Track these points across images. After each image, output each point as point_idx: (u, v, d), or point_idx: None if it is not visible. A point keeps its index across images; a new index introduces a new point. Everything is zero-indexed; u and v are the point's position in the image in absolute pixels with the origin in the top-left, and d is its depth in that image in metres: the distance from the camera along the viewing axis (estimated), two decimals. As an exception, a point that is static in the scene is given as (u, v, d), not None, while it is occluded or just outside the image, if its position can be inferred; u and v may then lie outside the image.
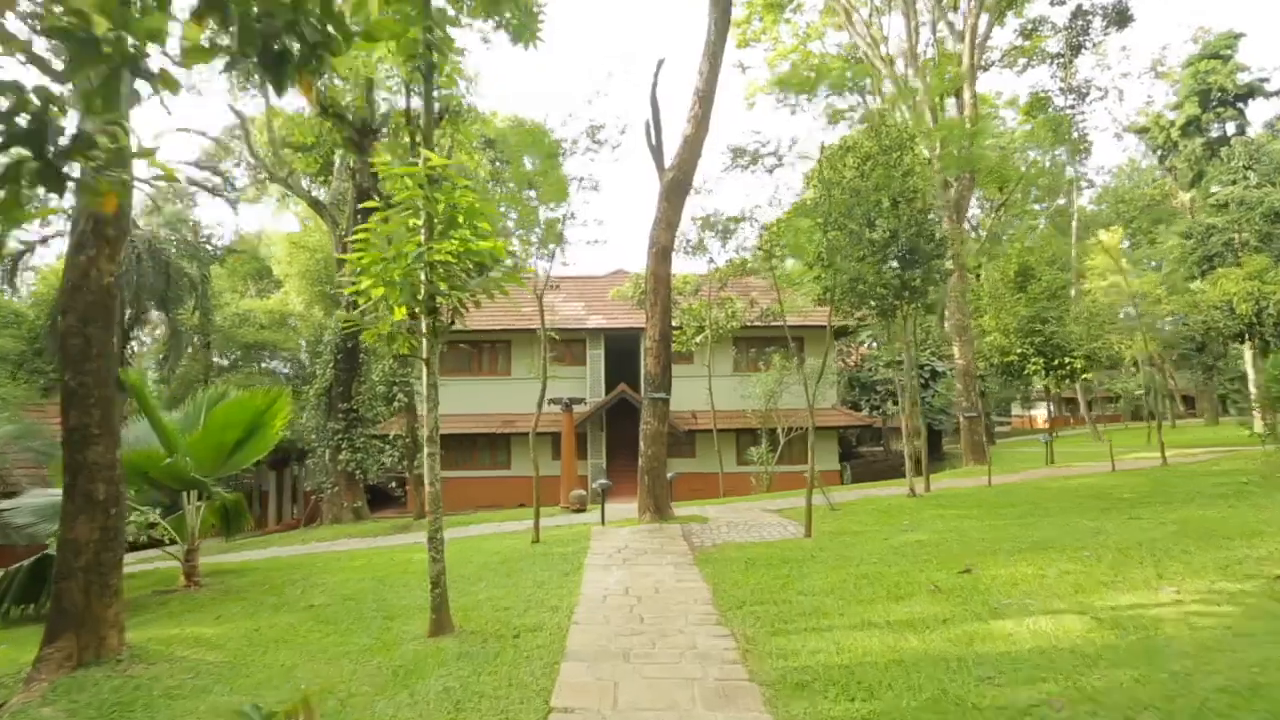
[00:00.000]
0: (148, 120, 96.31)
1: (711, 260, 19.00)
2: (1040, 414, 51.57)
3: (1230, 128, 27.21)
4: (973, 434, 17.53)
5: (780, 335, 24.14)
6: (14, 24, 2.12)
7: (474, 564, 9.10)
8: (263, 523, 22.79)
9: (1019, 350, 18.43)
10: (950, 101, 21.73)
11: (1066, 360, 17.90)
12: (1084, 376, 19.51)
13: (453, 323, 7.24)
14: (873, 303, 12.15)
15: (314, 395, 18.07)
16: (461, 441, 23.89)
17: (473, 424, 23.40)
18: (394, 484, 20.19)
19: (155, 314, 22.47)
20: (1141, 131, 27.26)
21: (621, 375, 24.02)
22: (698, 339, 20.66)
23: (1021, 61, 24.06)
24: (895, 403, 27.20)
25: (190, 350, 23.28)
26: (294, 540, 16.37)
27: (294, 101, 20.66)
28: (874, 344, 29.32)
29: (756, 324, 23.06)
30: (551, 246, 12.38)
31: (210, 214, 80.00)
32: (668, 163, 11.83)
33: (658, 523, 11.05)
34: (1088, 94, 22.10)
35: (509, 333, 24.24)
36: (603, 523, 11.19)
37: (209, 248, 24.61)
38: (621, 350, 25.23)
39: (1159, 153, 26.55)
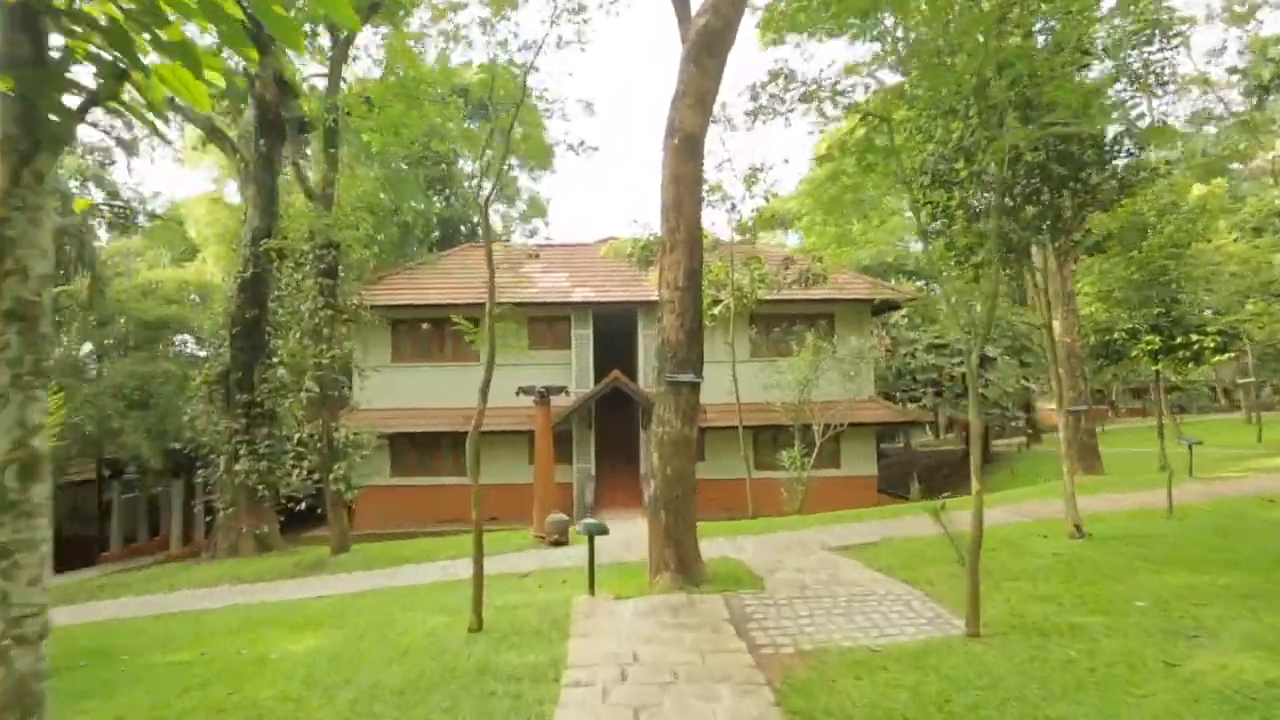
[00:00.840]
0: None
1: (734, 208, 14.57)
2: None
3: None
4: (1080, 434, 13.24)
5: (805, 312, 19.89)
6: None
7: (340, 702, 4.65)
8: (164, 545, 18.08)
9: (1128, 325, 14.13)
10: None
11: (1194, 339, 13.63)
12: (1216, 360, 15.29)
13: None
14: (1012, 235, 7.80)
15: (204, 383, 13.46)
16: (419, 442, 19.37)
17: (432, 420, 18.87)
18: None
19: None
20: (1232, 74, 23.32)
21: (614, 360, 19.58)
22: (714, 310, 16.26)
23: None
24: (939, 394, 22.98)
25: (73, 328, 18.57)
26: (164, 582, 11.82)
27: None
28: (911, 322, 25.04)
29: (779, 297, 18.74)
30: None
31: (152, 181, 74.19)
32: (696, 4, 7.38)
33: (683, 591, 6.65)
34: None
35: (475, 308, 19.67)
36: (591, 591, 6.74)
37: (105, 209, 19.82)
38: (614, 330, 20.78)
39: (1252, 98, 22.68)
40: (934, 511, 7.06)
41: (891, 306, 21.90)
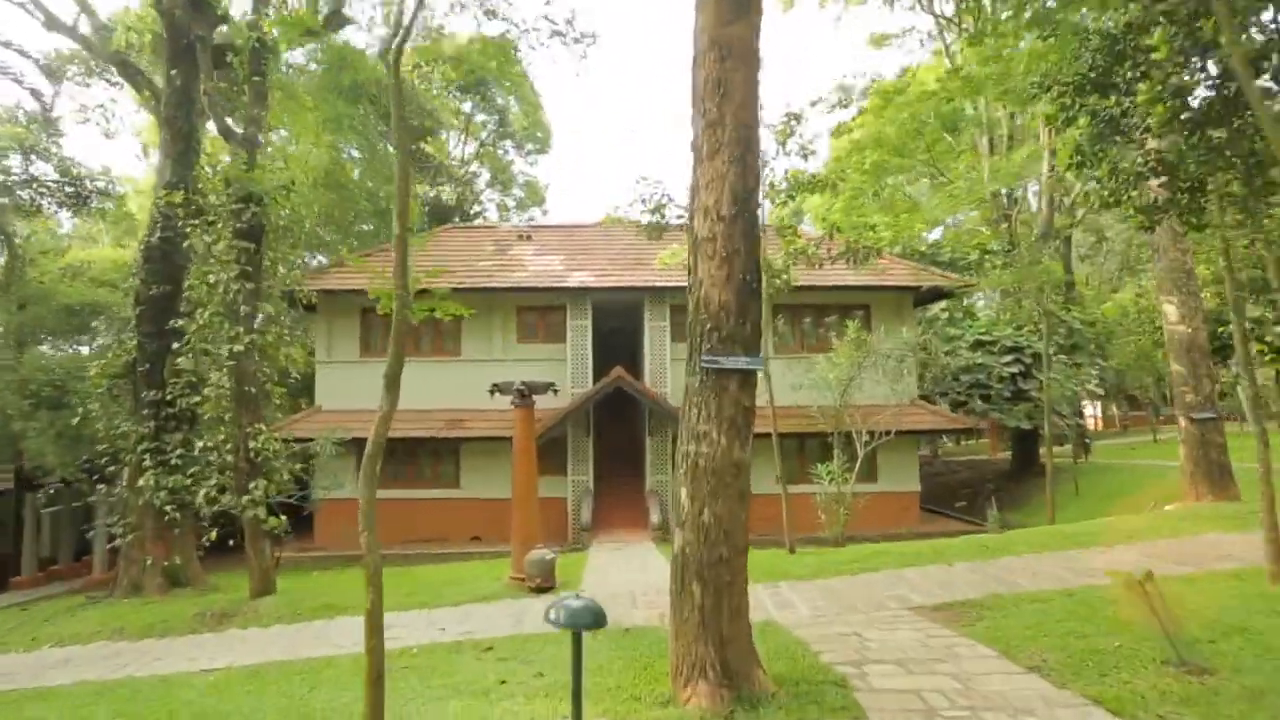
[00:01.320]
0: None
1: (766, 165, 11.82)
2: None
3: None
4: (1207, 448, 10.47)
5: (838, 302, 17.16)
6: None
7: None
8: (89, 569, 15.41)
9: (1255, 313, 11.37)
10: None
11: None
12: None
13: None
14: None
15: (103, 377, 10.78)
16: (392, 449, 16.60)
17: (408, 424, 16.12)
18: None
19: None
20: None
21: (616, 356, 16.88)
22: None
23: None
24: (985, 398, 20.20)
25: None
26: (28, 632, 9.11)
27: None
28: (952, 316, 22.31)
29: (809, 283, 16.07)
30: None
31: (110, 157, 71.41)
32: None
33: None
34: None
35: (459, 295, 16.99)
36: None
37: (54, 185, 17.22)
38: (617, 323, 18.11)
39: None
40: (1139, 583, 4.33)
41: (937, 296, 19.16)
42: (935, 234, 29.06)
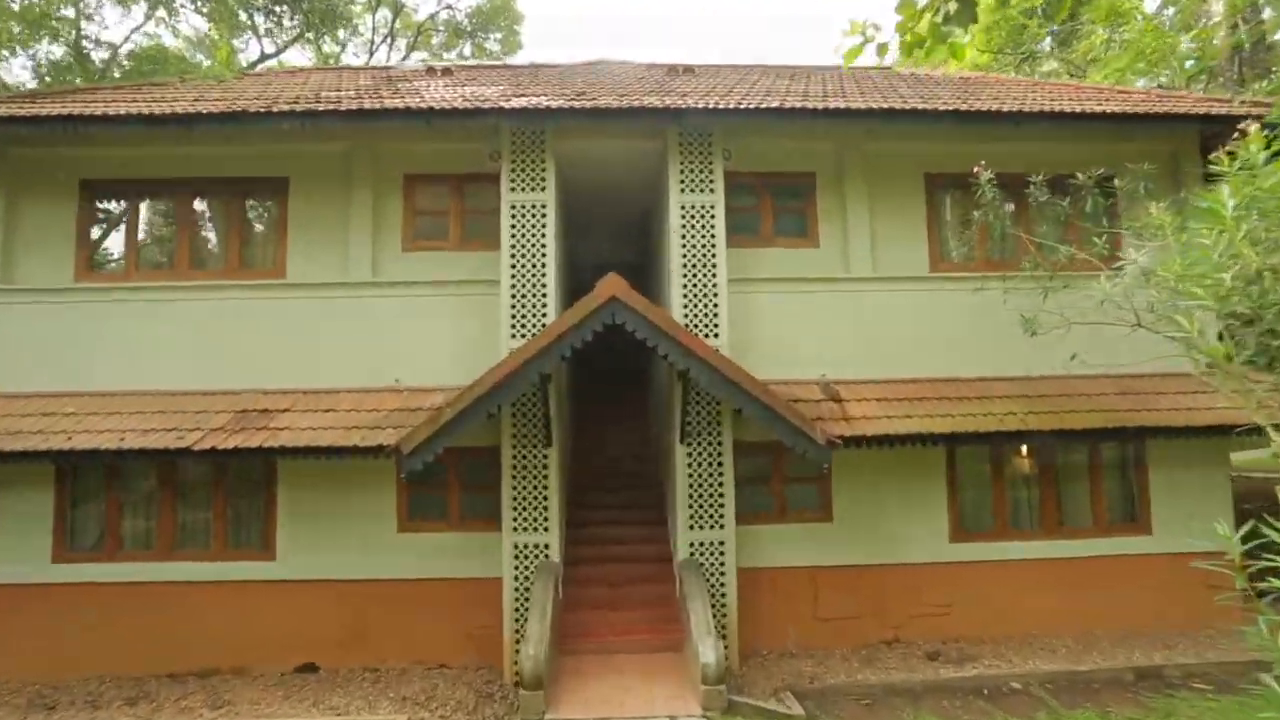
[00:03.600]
0: None
1: None
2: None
3: None
4: None
5: (1051, 157, 8.30)
6: None
7: None
8: None
9: None
10: None
11: None
12: None
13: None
14: None
15: None
16: (129, 477, 7.92)
17: (165, 419, 7.32)
18: None
19: None
20: None
21: (604, 263, 8.11)
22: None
23: None
24: None
25: None
26: None
27: None
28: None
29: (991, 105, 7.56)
30: None
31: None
32: None
33: None
34: None
35: (276, 156, 8.13)
36: None
37: None
38: (609, 213, 9.55)
39: None
40: None
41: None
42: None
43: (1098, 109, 7.76)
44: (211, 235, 8.35)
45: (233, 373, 7.66)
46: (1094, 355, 6.71)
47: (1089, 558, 7.61)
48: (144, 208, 8.22)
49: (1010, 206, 8.10)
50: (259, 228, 8.38)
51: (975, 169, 7.01)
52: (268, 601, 7.45)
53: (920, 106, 7.73)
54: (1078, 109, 7.73)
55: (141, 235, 8.29)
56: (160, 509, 7.63)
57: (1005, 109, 7.66)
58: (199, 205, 8.22)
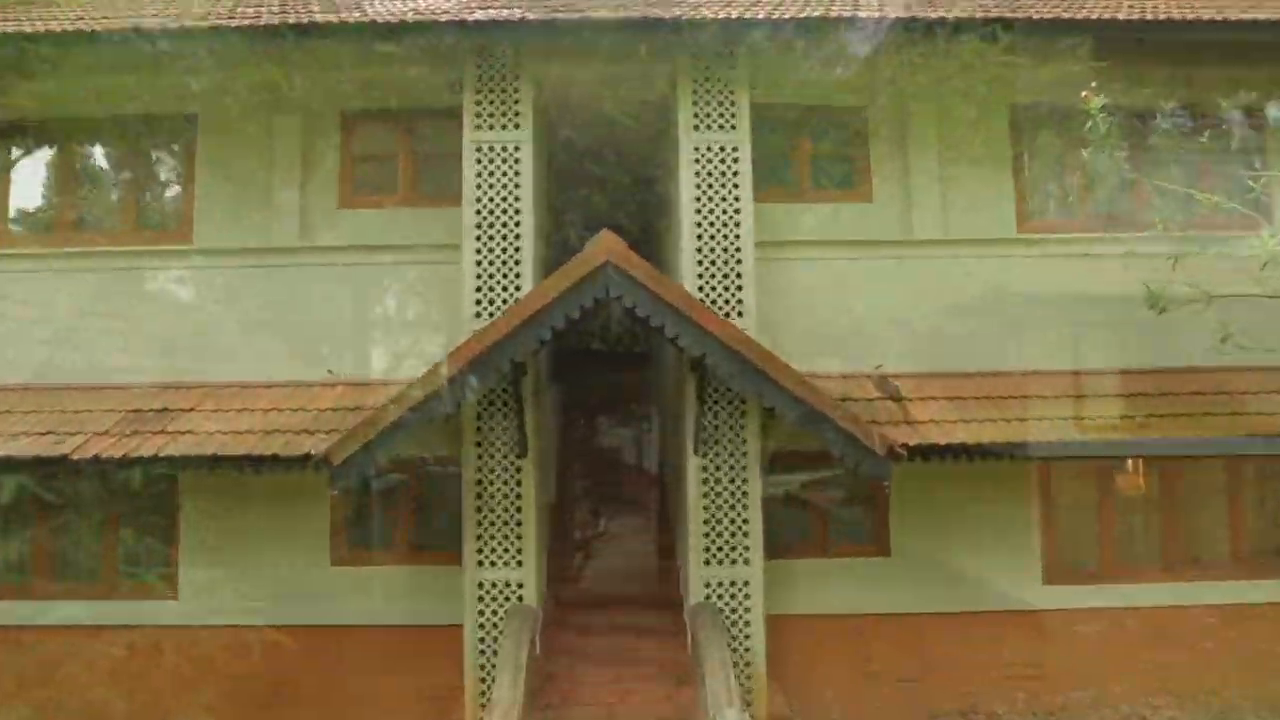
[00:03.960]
0: None
1: None
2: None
3: None
4: None
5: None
6: None
7: None
8: None
9: None
10: None
11: None
12: None
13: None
14: None
15: None
16: (31, 498, 6.23)
17: (15, 413, 5.71)
18: None
19: None
20: None
21: (598, 219, 6.36)
22: None
23: None
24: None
25: None
26: None
27: None
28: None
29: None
30: None
31: None
32: None
33: None
34: None
35: (180, 90, 6.31)
36: None
37: None
38: (602, 142, 7.80)
39: None
40: None
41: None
42: None
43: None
44: (97, 190, 6.66)
45: (124, 363, 6.03)
46: (1243, 339, 5.03)
47: (1227, 605, 5.90)
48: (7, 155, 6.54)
49: (1123, 150, 6.26)
50: (159, 180, 6.70)
51: (1085, 93, 5.25)
52: (169, 651, 5.86)
53: (1030, 15, 5.86)
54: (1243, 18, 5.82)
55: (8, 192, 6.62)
56: (32, 535, 6.04)
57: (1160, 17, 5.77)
58: (81, 151, 6.52)
